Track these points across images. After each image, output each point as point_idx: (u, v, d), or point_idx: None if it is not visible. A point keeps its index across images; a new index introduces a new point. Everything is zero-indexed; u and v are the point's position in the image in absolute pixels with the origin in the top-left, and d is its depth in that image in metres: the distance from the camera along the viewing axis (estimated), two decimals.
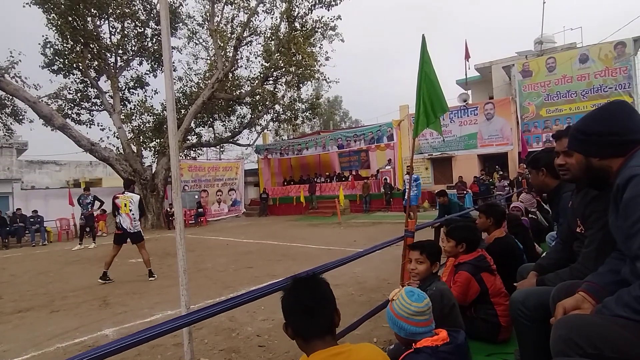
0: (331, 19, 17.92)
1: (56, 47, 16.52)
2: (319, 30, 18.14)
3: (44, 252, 11.05)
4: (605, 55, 14.96)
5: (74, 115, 18.02)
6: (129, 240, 6.72)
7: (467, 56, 18.94)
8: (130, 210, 6.59)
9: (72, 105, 17.94)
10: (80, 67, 16.63)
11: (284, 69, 18.59)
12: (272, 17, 18.02)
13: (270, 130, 25.16)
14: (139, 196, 6.90)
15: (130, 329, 4.06)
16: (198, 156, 21.97)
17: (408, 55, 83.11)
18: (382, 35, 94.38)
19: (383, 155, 19.92)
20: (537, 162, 2.48)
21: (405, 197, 3.64)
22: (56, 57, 16.62)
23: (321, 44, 18.86)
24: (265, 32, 18.74)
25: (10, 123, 16.67)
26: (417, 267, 2.39)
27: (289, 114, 21.05)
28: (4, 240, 13.65)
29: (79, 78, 17.62)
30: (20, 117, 16.61)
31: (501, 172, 15.12)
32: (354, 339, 2.88)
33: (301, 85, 19.88)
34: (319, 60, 18.66)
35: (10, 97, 15.30)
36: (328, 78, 19.20)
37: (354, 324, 2.69)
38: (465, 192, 15.37)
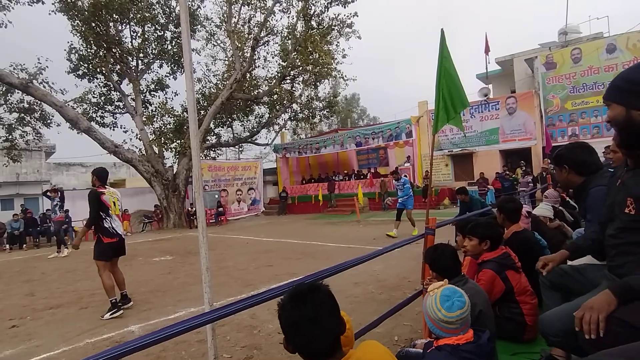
0: (348, 16, 17.86)
1: (80, 53, 17.08)
2: (336, 27, 18.08)
3: (72, 251, 11.42)
4: (634, 44, 14.36)
5: (98, 119, 18.56)
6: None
7: (488, 50, 18.53)
8: (121, 211, 5.18)
9: (97, 108, 18.49)
10: (104, 72, 17.14)
11: (301, 68, 18.62)
12: (288, 16, 18.08)
13: (288, 130, 25.28)
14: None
15: (154, 326, 4.16)
16: (217, 156, 22.30)
17: (427, 51, 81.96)
18: (399, 30, 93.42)
19: (402, 152, 19.71)
20: (560, 159, 2.38)
21: (428, 194, 3.58)
22: (81, 62, 17.18)
23: (338, 42, 18.82)
24: (282, 32, 18.84)
25: (39, 127, 17.32)
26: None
27: (306, 113, 21.09)
28: (34, 240, 14.24)
29: (102, 82, 18.16)
30: (48, 121, 17.23)
31: (525, 168, 14.71)
32: (374, 337, 2.87)
33: (318, 83, 19.89)
34: (336, 58, 18.62)
35: (39, 102, 15.88)
36: (345, 76, 19.14)
37: (375, 322, 2.67)
38: (486, 188, 15.04)
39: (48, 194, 11.30)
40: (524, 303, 2.59)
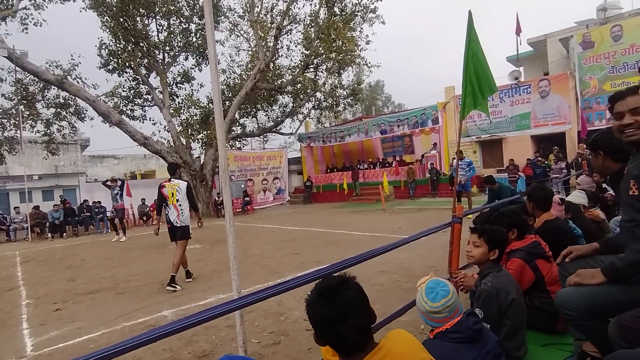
0: (371, 1, 17.49)
1: (110, 48, 17.59)
2: (359, 13, 17.77)
3: (108, 240, 12.00)
4: None
5: (128, 112, 19.17)
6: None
7: (519, 30, 17.68)
8: (177, 201, 5.62)
9: (126, 102, 19.08)
10: (132, 66, 17.61)
11: (324, 56, 18.47)
12: (311, 4, 17.98)
13: (312, 118, 25.26)
14: (186, 182, 5.81)
15: (186, 311, 4.33)
16: (243, 146, 22.59)
17: (453, 34, 79.29)
18: (425, 13, 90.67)
19: (428, 139, 19.31)
20: (595, 144, 2.25)
21: (454, 182, 3.51)
22: (111, 57, 17.70)
23: (361, 28, 18.52)
24: (304, 20, 18.72)
25: (74, 121, 18.09)
26: (472, 250, 2.31)
27: (330, 101, 20.98)
28: (73, 229, 15.02)
29: (131, 76, 18.68)
30: (82, 116, 17.96)
31: (558, 154, 14.06)
32: (400, 325, 2.87)
33: (342, 71, 19.69)
34: (360, 45, 18.35)
35: (73, 97, 16.56)
36: (369, 63, 18.87)
37: (401, 310, 2.67)
38: (517, 175, 14.54)
39: (108, 183, 11.96)
40: (556, 293, 2.51)
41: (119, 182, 11.93)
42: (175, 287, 5.26)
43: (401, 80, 68.95)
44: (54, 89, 16.35)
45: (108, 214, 12.82)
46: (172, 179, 5.72)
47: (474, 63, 3.29)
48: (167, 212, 5.65)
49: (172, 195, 5.60)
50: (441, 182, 16.56)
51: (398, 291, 4.37)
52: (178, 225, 5.61)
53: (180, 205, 5.63)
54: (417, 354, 1.24)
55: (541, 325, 2.52)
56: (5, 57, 13.67)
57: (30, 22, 15.70)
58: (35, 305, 5.20)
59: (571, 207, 3.85)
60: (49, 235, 14.37)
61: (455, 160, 10.43)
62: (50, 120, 17.26)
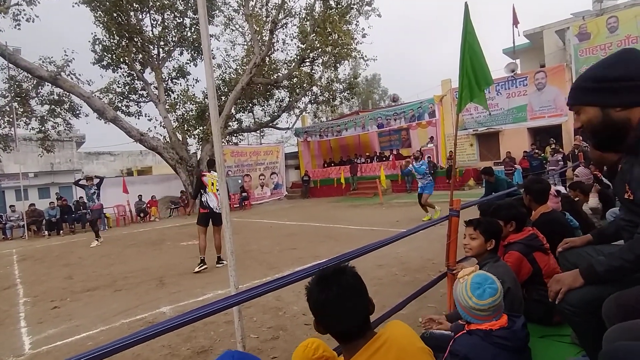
0: None
1: (104, 44, 17.39)
2: (355, 6, 17.65)
3: (105, 237, 11.91)
4: None
5: (124, 108, 19.02)
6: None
7: (516, 22, 17.65)
8: (217, 190, 6.17)
9: (122, 98, 18.93)
10: (127, 61, 17.43)
11: (320, 50, 18.34)
12: None
13: (308, 113, 25.16)
14: None
15: (184, 307, 4.32)
16: (239, 142, 22.50)
17: (450, 27, 79.07)
18: (420, 6, 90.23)
19: (425, 133, 19.32)
20: None
21: (452, 175, 3.51)
22: (105, 53, 17.52)
23: (357, 21, 18.37)
24: (300, 13, 18.56)
25: (69, 118, 17.96)
26: (470, 242, 2.35)
27: (326, 95, 20.89)
28: (70, 226, 14.95)
29: (126, 72, 18.51)
30: (77, 112, 17.83)
31: (554, 146, 14.10)
32: (399, 318, 2.87)
33: (338, 65, 19.57)
34: (356, 38, 18.22)
35: (68, 93, 16.41)
36: (365, 56, 18.71)
37: (400, 305, 2.67)
38: (513, 168, 14.59)
39: (82, 182, 10.71)
40: None
41: (96, 181, 10.44)
42: (223, 262, 6.09)
43: (398, 73, 68.79)
44: (48, 85, 16.19)
45: (87, 216, 11.17)
46: (211, 171, 6.40)
47: (470, 55, 3.28)
48: (204, 199, 6.24)
49: (213, 185, 6.24)
50: (438, 175, 16.59)
51: (396, 285, 4.39)
52: (217, 212, 6.15)
53: (219, 194, 6.00)
54: (414, 343, 1.26)
55: (539, 317, 2.54)
56: None
57: (23, 17, 15.51)
58: (33, 303, 5.18)
59: (566, 199, 3.87)
60: (46, 233, 14.32)
61: (412, 159, 9.80)
62: (45, 117, 17.12)
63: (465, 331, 1.64)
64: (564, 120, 15.46)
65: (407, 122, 18.66)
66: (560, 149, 13.79)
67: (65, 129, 18.28)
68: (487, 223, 2.37)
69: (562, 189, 5.12)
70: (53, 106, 17.05)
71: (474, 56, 3.27)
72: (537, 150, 14.66)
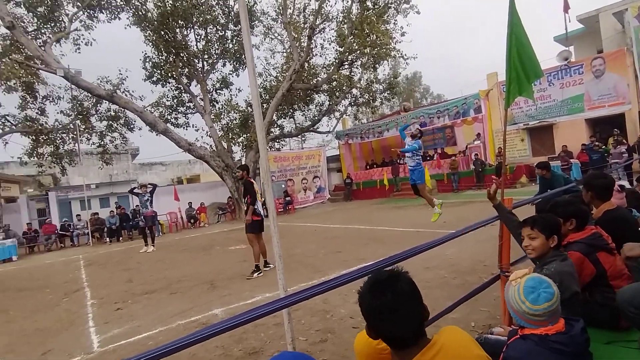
0: None
1: (153, 61, 18.51)
2: (392, 5, 17.41)
3: (159, 242, 12.60)
4: None
5: (173, 120, 20.06)
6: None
7: (567, 7, 16.55)
8: (262, 199, 6.83)
9: (171, 110, 19.98)
10: (174, 76, 18.43)
11: (358, 52, 18.29)
12: (343, 0, 17.79)
13: (349, 115, 25.13)
14: None
15: (235, 310, 4.47)
16: (282, 147, 22.94)
17: (492, 18, 75.66)
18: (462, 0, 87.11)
19: (470, 129, 18.59)
20: None
21: (502, 172, 3.33)
22: (154, 70, 18.63)
23: (395, 20, 18.12)
24: (337, 17, 18.62)
25: (125, 132, 19.27)
26: (530, 243, 2.19)
27: (366, 97, 20.75)
28: (128, 233, 16.00)
29: (174, 86, 19.55)
30: (132, 126, 19.07)
31: (617, 137, 12.94)
32: (449, 322, 2.79)
33: (377, 65, 19.39)
34: (394, 37, 17.98)
35: (123, 109, 17.64)
36: (405, 55, 18.43)
37: (449, 308, 2.60)
38: (569, 163, 13.60)
39: (136, 190, 11.33)
40: (620, 288, 2.32)
41: (149, 188, 11.02)
42: (270, 266, 6.45)
43: (440, 70, 66.88)
44: (105, 102, 17.49)
45: (141, 223, 11.65)
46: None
47: (517, 47, 3.12)
48: (256, 207, 6.38)
49: (260, 195, 6.58)
50: (486, 173, 15.91)
51: (445, 287, 4.25)
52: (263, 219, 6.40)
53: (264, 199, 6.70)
54: (471, 350, 1.21)
55: (604, 321, 2.35)
56: (62, 76, 14.79)
57: (82, 42, 16.93)
58: (99, 305, 5.60)
59: (633, 194, 3.56)
60: (107, 239, 15.41)
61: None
62: (104, 132, 18.47)
63: (518, 336, 1.56)
64: (627, 108, 14.22)
65: (451, 120, 18.06)
66: (624, 140, 12.69)
67: (121, 143, 19.63)
68: (543, 219, 2.22)
69: (626, 183, 4.71)
70: (110, 122, 18.38)
71: (521, 48, 3.12)
72: (597, 143, 13.52)
